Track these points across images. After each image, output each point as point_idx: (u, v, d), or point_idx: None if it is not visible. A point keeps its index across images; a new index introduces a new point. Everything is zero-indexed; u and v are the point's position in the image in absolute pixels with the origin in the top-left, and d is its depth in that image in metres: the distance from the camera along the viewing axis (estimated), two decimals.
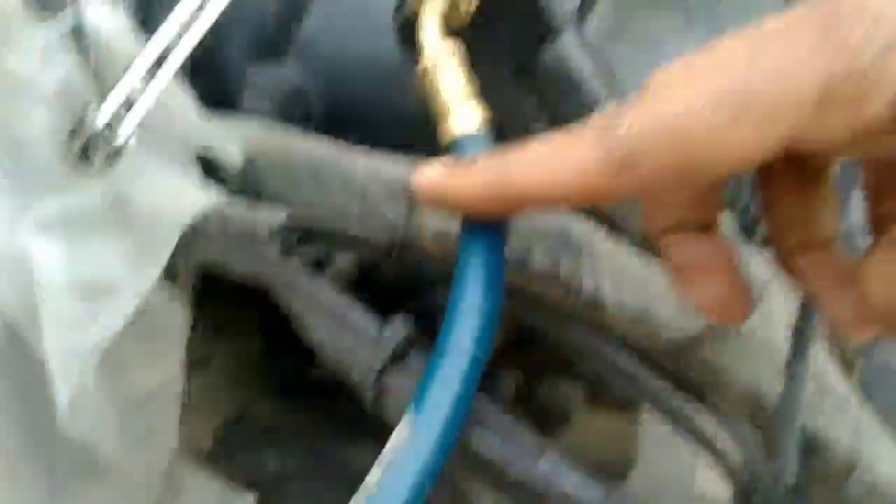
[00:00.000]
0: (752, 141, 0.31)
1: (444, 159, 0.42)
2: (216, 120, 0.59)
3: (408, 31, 0.56)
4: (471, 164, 0.40)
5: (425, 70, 0.47)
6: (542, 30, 0.56)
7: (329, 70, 0.71)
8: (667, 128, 0.32)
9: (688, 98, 0.32)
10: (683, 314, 0.60)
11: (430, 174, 0.41)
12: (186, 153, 0.55)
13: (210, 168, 0.60)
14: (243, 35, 0.70)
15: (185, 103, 0.54)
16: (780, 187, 0.39)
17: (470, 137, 0.44)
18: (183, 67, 0.69)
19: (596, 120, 0.36)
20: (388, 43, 0.60)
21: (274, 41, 0.71)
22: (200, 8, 0.48)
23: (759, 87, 0.31)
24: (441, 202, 0.40)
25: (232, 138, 0.55)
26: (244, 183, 0.59)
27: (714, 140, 0.32)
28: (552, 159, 0.36)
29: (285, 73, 0.72)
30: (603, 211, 0.62)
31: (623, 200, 0.48)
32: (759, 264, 0.57)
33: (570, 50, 0.57)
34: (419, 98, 0.49)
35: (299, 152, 0.60)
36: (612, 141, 0.34)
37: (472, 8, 0.51)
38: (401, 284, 0.70)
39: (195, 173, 0.53)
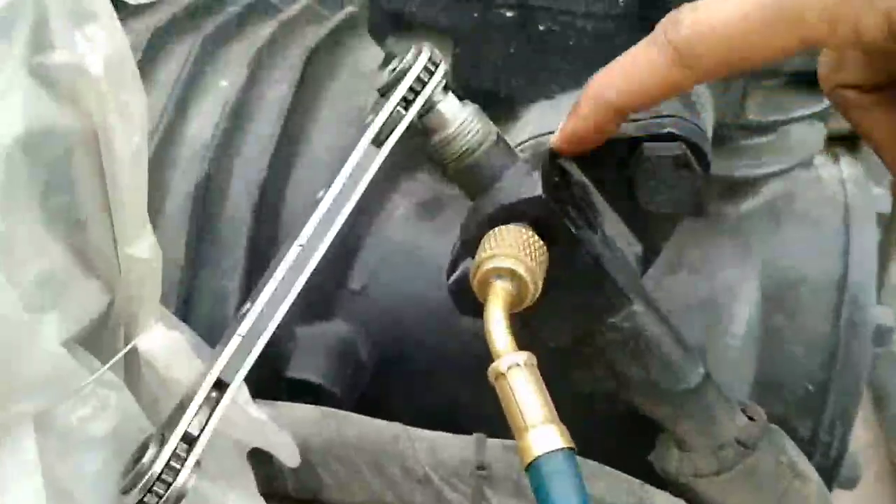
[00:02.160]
0: (781, 41, 0.41)
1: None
2: (267, 407, 0.56)
3: (463, 298, 0.54)
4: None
5: (497, 377, 0.44)
6: (606, 300, 0.53)
7: (381, 320, 0.69)
8: (720, 29, 0.43)
9: (737, 4, 0.42)
10: None
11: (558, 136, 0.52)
12: (241, 458, 0.51)
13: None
14: None
15: (240, 406, 0.51)
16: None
17: (551, 462, 0.40)
18: None
19: (662, 23, 0.45)
20: (440, 289, 0.58)
21: (323, 298, 0.69)
22: (258, 326, 0.45)
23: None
24: (574, 144, 0.52)
25: (286, 437, 0.52)
26: (301, 483, 0.56)
27: (755, 39, 0.42)
28: (630, 64, 0.46)
29: (334, 331, 0.69)
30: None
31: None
32: None
33: (638, 316, 0.54)
34: (475, 342, 0.46)
35: (355, 440, 0.57)
36: (677, 41, 0.44)
37: (537, 296, 0.48)
38: None
39: (251, 483, 0.50)
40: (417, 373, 0.69)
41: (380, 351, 0.70)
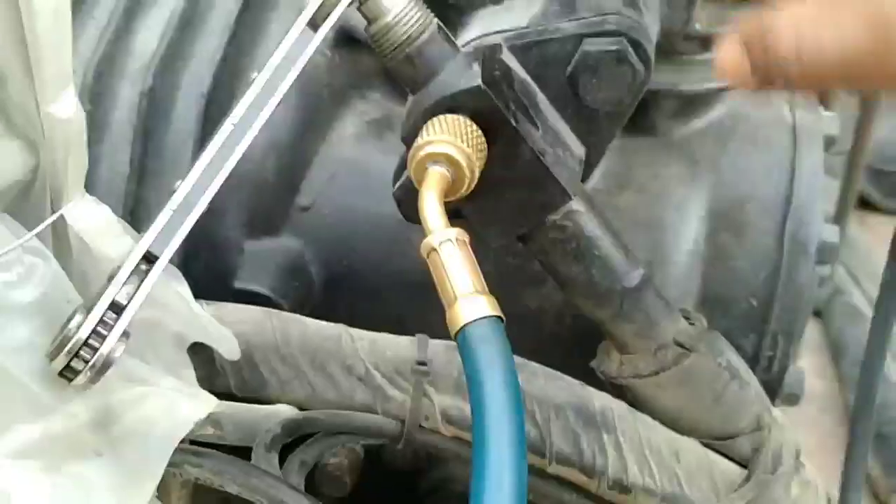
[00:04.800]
0: None
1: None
2: (211, 306, 0.56)
3: (408, 204, 0.54)
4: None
5: (430, 252, 0.44)
6: (547, 197, 0.54)
7: (329, 236, 0.69)
8: None
9: None
10: (718, 494, 0.56)
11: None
12: (181, 350, 0.51)
13: None
14: (240, 210, 0.68)
15: (179, 296, 0.51)
16: None
17: (479, 328, 0.41)
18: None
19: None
20: (389, 205, 0.58)
21: (271, 214, 0.69)
22: (190, 200, 0.45)
23: None
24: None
25: (227, 331, 0.52)
26: (243, 381, 0.55)
27: None
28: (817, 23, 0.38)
29: (282, 246, 0.69)
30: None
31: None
32: None
33: (579, 216, 0.55)
34: (424, 262, 0.46)
35: (297, 339, 0.56)
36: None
37: (473, 184, 0.49)
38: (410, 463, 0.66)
39: (190, 375, 0.50)
40: (365, 289, 0.69)
41: (328, 267, 0.69)
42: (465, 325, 0.41)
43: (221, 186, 0.68)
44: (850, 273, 1.51)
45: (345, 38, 0.72)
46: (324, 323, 0.58)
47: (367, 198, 0.69)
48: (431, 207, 0.46)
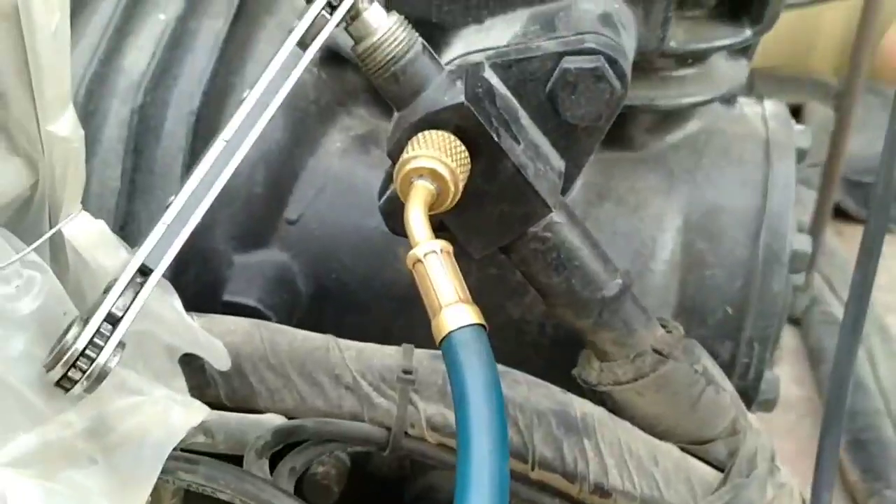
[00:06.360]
0: None
1: None
2: (201, 318, 0.58)
3: (393, 217, 0.56)
4: None
5: (415, 263, 0.46)
6: (528, 209, 0.55)
7: (316, 249, 0.71)
8: None
9: None
10: (695, 497, 0.58)
11: None
12: (172, 361, 0.52)
13: None
14: (229, 224, 0.69)
15: (170, 308, 0.52)
16: None
17: (462, 336, 0.42)
18: None
19: None
20: (375, 219, 0.59)
21: (259, 228, 0.70)
22: (183, 215, 0.46)
23: None
24: None
25: (217, 342, 0.53)
26: (233, 390, 0.57)
27: None
28: None
29: (271, 259, 0.71)
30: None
31: None
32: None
33: (559, 227, 0.57)
34: (409, 272, 0.48)
35: (286, 349, 0.58)
36: None
37: (457, 198, 0.50)
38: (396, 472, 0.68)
39: (181, 385, 0.51)
40: (352, 302, 0.71)
41: (315, 279, 0.71)
42: (449, 333, 0.43)
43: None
44: (827, 282, 1.53)
45: (331, 56, 0.73)
46: (311, 333, 0.60)
47: (353, 211, 0.71)
48: (417, 220, 0.47)
